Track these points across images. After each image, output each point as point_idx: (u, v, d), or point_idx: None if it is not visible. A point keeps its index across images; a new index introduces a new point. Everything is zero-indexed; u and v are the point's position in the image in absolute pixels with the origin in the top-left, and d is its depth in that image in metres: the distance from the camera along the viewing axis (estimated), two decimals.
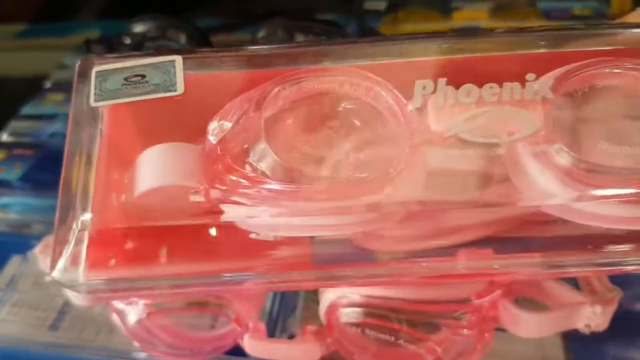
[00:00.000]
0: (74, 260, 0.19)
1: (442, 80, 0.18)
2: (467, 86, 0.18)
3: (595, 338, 0.24)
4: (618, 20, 0.24)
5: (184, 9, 0.52)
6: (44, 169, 0.43)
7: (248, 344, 0.24)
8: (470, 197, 0.18)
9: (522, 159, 0.18)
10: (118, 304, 0.25)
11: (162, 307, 0.24)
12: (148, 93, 0.20)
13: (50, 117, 0.49)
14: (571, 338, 0.29)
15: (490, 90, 0.18)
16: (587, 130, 0.18)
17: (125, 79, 0.21)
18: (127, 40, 0.38)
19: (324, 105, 0.20)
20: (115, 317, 0.26)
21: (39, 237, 0.28)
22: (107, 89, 0.21)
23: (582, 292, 0.23)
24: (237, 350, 0.26)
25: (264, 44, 0.35)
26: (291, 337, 0.28)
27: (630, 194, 0.17)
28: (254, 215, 0.19)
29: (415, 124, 0.18)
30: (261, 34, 0.36)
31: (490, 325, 0.23)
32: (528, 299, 0.24)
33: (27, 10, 0.71)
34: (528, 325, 0.23)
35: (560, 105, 0.18)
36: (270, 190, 0.18)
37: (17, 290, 0.35)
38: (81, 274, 0.19)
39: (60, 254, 0.19)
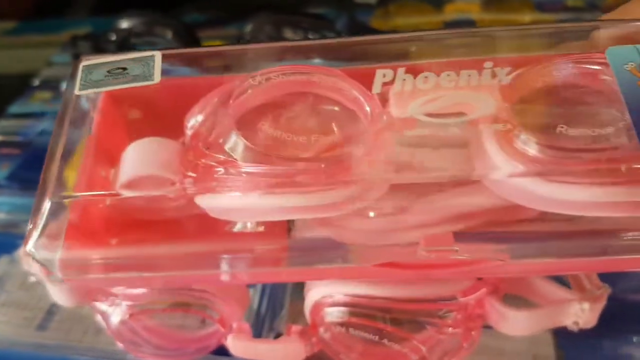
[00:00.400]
0: (51, 235, 0.20)
1: (401, 69, 0.19)
2: (425, 74, 0.19)
3: (586, 334, 0.24)
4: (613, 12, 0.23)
5: (173, 5, 0.52)
6: (32, 168, 0.43)
7: (232, 344, 0.24)
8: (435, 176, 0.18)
9: (481, 138, 0.18)
10: (101, 305, 0.24)
11: (145, 308, 0.24)
12: (128, 82, 0.22)
13: (38, 116, 0.48)
14: (562, 334, 0.29)
15: (447, 77, 0.19)
16: (543, 113, 0.19)
17: (108, 71, 0.22)
18: (113, 37, 0.37)
19: (293, 96, 0.21)
20: (99, 318, 0.25)
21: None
22: (92, 80, 0.22)
23: (570, 290, 0.23)
24: (223, 350, 0.26)
25: (251, 39, 0.35)
26: (278, 336, 0.28)
27: (588, 174, 0.17)
28: (229, 202, 0.19)
29: (377, 110, 0.19)
30: (248, 28, 0.36)
31: (477, 324, 0.23)
32: (516, 296, 0.24)
33: (18, 8, 0.71)
34: (515, 323, 0.23)
35: (518, 89, 0.19)
36: (244, 173, 0.18)
37: (5, 291, 0.34)
38: (56, 250, 0.20)
39: (35, 227, 0.20)
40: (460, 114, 0.18)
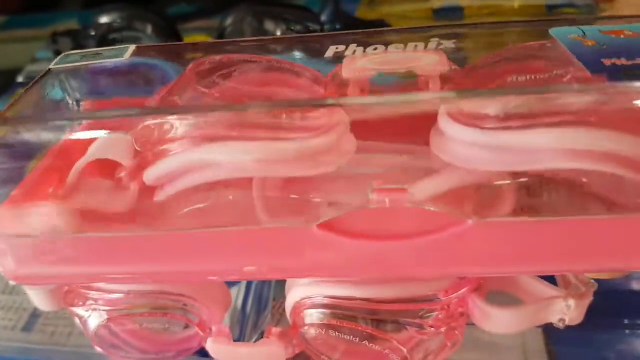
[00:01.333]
0: None
1: (352, 44, 0.22)
2: (375, 45, 0.22)
3: (576, 328, 0.23)
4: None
5: None
6: None
7: (211, 348, 0.23)
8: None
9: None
10: (78, 310, 0.24)
11: (123, 312, 0.23)
12: (98, 60, 0.24)
13: None
14: (552, 328, 0.28)
15: (395, 46, 0.22)
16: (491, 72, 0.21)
17: (83, 55, 0.25)
18: (92, 32, 0.37)
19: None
20: (77, 322, 0.25)
21: None
22: (67, 61, 0.25)
23: (556, 286, 0.23)
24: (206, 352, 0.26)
25: (232, 32, 0.34)
26: (262, 335, 0.27)
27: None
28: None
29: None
30: (228, 21, 0.35)
31: (460, 322, 0.22)
32: (499, 292, 0.23)
33: (9, 2, 0.70)
34: (499, 321, 0.22)
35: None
36: (201, 123, 0.19)
37: None
38: None
39: None
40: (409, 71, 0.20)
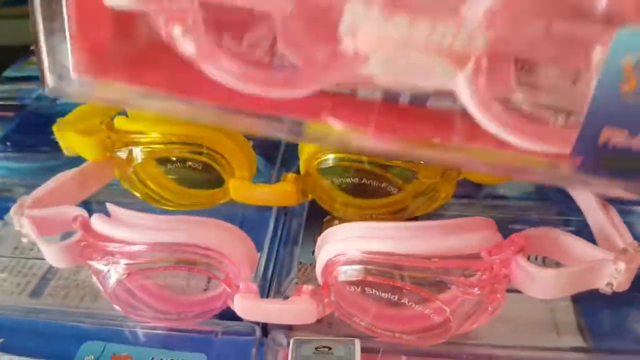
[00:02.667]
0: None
1: None
2: None
3: (607, 301, 0.22)
4: None
5: None
6: (26, 131, 0.41)
7: (238, 305, 0.22)
8: None
9: None
10: (97, 264, 0.23)
11: (145, 266, 0.22)
12: None
13: (34, 80, 0.46)
14: (582, 301, 0.28)
15: None
16: None
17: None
18: None
19: None
20: (95, 280, 0.24)
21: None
22: None
23: (603, 249, 0.21)
24: (227, 313, 0.25)
25: None
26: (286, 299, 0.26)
27: None
28: None
29: None
30: None
31: (502, 285, 0.21)
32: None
33: None
34: (543, 284, 0.21)
35: None
36: None
37: None
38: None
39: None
40: None
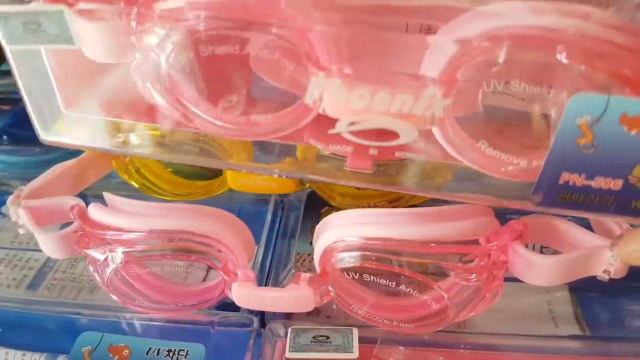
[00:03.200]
0: None
1: None
2: None
3: (604, 291, 0.22)
4: None
5: None
6: (22, 125, 0.41)
7: (236, 293, 0.22)
8: None
9: None
10: (94, 253, 0.23)
11: (142, 254, 0.22)
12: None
13: None
14: (579, 291, 0.28)
15: None
16: None
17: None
18: None
19: None
20: (91, 270, 0.24)
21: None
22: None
23: (600, 236, 0.21)
24: (225, 305, 0.25)
25: None
26: None
27: None
28: None
29: None
30: None
31: (500, 272, 0.21)
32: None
33: None
34: (541, 271, 0.21)
35: None
36: None
37: None
38: None
39: None
40: None
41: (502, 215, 0.23)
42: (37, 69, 0.21)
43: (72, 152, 0.31)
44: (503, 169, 0.18)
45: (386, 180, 0.20)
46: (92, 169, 0.30)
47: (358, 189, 0.30)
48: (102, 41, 0.18)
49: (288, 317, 0.26)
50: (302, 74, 0.17)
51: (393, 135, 0.18)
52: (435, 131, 0.17)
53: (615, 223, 0.22)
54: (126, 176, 0.30)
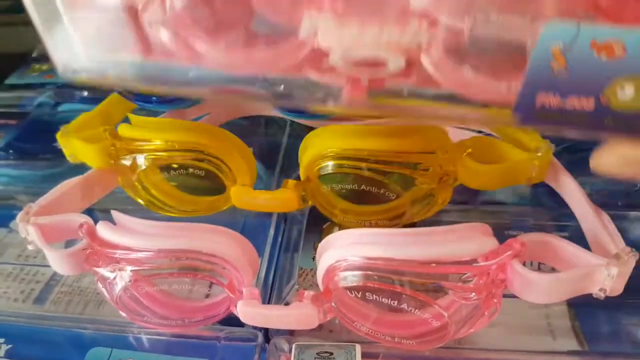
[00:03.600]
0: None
1: None
2: None
3: (602, 305, 0.23)
4: None
5: None
6: (28, 139, 0.41)
7: (242, 311, 0.23)
8: None
9: None
10: (103, 271, 0.23)
11: (150, 273, 0.23)
12: None
13: (36, 87, 0.47)
14: (577, 306, 0.28)
15: None
16: None
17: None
18: None
19: None
20: (100, 287, 0.24)
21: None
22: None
23: (597, 255, 0.22)
24: (232, 320, 0.25)
25: None
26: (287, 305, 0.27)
27: None
28: None
29: None
30: None
31: (498, 290, 0.22)
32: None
33: None
34: (539, 289, 0.21)
35: None
36: None
37: (1, 263, 0.33)
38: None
39: None
40: None
41: (501, 233, 0.24)
42: None
43: (78, 165, 0.31)
44: (485, 93, 0.19)
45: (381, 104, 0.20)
46: (99, 185, 0.30)
47: (359, 205, 0.30)
48: None
49: (291, 332, 0.26)
50: (297, 8, 0.18)
51: (383, 65, 0.19)
52: (423, 58, 0.18)
53: (611, 241, 0.23)
54: (132, 192, 0.31)
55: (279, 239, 0.33)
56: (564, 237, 0.22)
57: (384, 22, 0.18)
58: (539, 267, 0.27)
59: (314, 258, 0.30)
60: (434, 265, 0.20)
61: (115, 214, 0.24)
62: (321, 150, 0.27)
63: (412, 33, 0.18)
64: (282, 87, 0.20)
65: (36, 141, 0.40)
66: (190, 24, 0.20)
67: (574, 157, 0.36)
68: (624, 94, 0.17)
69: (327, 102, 0.20)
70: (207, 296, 0.27)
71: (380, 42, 0.18)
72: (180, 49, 0.20)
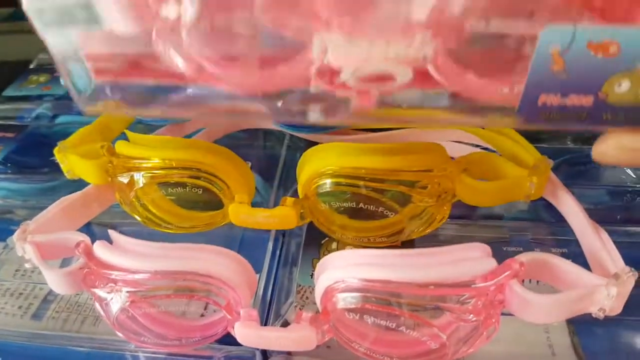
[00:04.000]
0: None
1: None
2: None
3: (602, 321, 0.23)
4: None
5: None
6: (26, 152, 0.41)
7: (239, 333, 0.22)
8: None
9: None
10: (100, 292, 0.23)
11: (147, 294, 0.22)
12: None
13: (34, 99, 0.47)
14: (577, 322, 0.28)
15: None
16: None
17: None
18: None
19: None
20: (97, 307, 0.24)
21: (21, 223, 0.26)
22: None
23: (596, 274, 0.22)
24: (229, 339, 0.25)
25: None
26: (285, 323, 0.27)
27: None
28: None
29: None
30: None
31: (497, 310, 0.22)
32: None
33: None
34: (538, 310, 0.21)
35: None
36: None
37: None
38: None
39: None
40: None
41: (499, 249, 0.23)
42: None
43: (75, 180, 0.31)
44: (489, 95, 0.20)
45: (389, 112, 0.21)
46: (96, 202, 0.30)
47: (357, 220, 0.30)
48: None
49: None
50: (306, 28, 0.19)
51: (392, 78, 0.19)
52: (429, 67, 0.19)
53: (610, 260, 0.23)
54: (129, 209, 0.31)
55: (277, 253, 0.32)
56: (563, 252, 0.22)
57: (390, 38, 0.18)
58: (538, 284, 0.27)
59: (312, 275, 0.30)
60: (432, 287, 0.20)
61: (112, 233, 0.24)
62: (319, 168, 0.27)
63: (417, 46, 0.18)
64: (285, 102, 0.21)
65: (34, 154, 0.40)
66: (206, 51, 0.20)
67: (572, 170, 0.36)
68: (621, 88, 0.18)
69: (336, 114, 0.21)
70: (202, 315, 0.27)
71: (388, 57, 0.19)
72: (194, 72, 0.20)
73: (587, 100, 0.18)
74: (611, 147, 0.20)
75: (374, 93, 0.20)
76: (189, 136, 0.37)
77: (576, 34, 0.17)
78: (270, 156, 0.40)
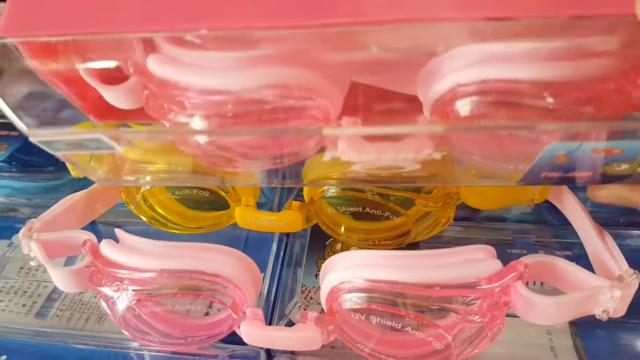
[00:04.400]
0: None
1: None
2: None
3: (604, 323, 0.23)
4: None
5: None
6: (31, 150, 0.41)
7: (245, 332, 0.23)
8: None
9: None
10: (106, 290, 0.23)
11: (153, 293, 0.23)
12: None
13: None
14: (579, 324, 0.28)
15: None
16: None
17: None
18: None
19: None
20: (103, 305, 0.24)
21: (25, 221, 0.26)
22: None
23: (600, 276, 0.22)
24: (233, 338, 0.25)
25: None
26: (290, 323, 0.27)
27: None
28: None
29: None
30: None
31: (501, 312, 0.22)
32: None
33: None
34: (542, 311, 0.21)
35: None
36: None
37: (3, 277, 0.33)
38: None
39: None
40: None
41: (504, 251, 0.23)
42: None
43: (80, 179, 0.31)
44: (492, 170, 0.21)
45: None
46: (101, 201, 0.30)
47: (363, 222, 0.30)
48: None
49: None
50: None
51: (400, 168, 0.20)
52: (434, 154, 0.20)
53: (614, 263, 0.23)
54: (135, 209, 0.31)
55: (282, 253, 0.33)
56: (567, 255, 0.22)
57: (399, 149, 0.19)
58: (542, 285, 0.28)
59: (316, 275, 0.30)
60: (437, 288, 0.20)
61: (118, 232, 0.24)
62: (325, 172, 0.27)
63: (425, 153, 0.19)
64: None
65: (39, 153, 0.40)
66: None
67: None
68: (620, 168, 0.19)
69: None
70: (207, 314, 0.27)
71: (397, 160, 0.19)
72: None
73: (587, 175, 0.19)
74: (605, 195, 0.22)
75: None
76: None
77: (582, 146, 0.18)
78: None
